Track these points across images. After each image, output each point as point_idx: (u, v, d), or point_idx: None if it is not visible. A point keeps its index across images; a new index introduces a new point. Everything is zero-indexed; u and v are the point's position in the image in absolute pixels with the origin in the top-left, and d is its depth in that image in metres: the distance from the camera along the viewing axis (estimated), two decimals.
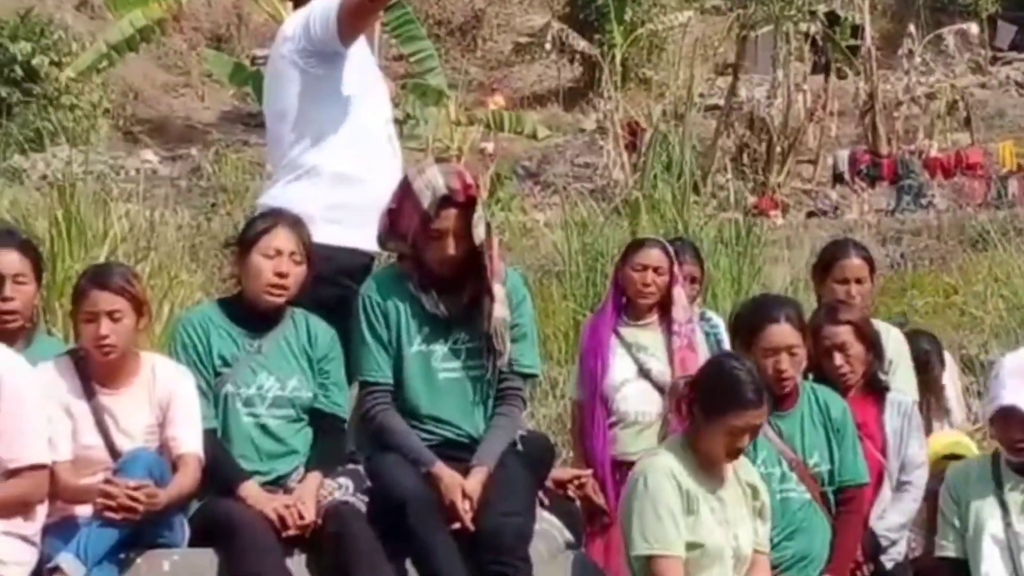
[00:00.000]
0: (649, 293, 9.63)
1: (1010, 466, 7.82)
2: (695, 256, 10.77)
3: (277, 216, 7.96)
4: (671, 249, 9.98)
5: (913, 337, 10.95)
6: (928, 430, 10.21)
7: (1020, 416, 7.72)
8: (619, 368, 9.54)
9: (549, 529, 8.21)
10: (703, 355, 9.63)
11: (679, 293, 9.74)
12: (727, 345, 9.92)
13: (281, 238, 7.85)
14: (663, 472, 7.65)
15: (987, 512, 7.81)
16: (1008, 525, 7.75)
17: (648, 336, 9.65)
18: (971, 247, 21.92)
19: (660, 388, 9.48)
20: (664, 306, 9.68)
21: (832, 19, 36.88)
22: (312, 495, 7.59)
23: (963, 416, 10.50)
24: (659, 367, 9.62)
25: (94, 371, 7.50)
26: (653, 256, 9.72)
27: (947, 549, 8.01)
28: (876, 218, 33.71)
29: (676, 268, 9.97)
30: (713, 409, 7.62)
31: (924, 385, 10.44)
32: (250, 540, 7.36)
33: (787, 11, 36.20)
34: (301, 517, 7.50)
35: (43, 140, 24.96)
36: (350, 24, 8.21)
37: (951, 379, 10.91)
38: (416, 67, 28.34)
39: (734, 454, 7.70)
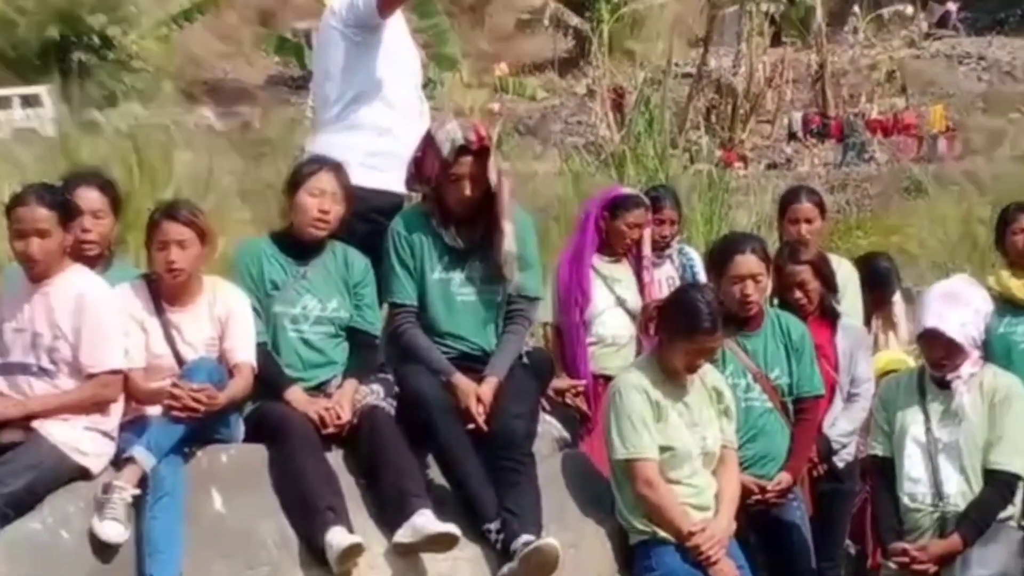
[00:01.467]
0: (632, 242, 9.60)
1: (932, 380, 7.78)
2: (674, 201, 10.69)
3: (321, 162, 8.00)
4: (647, 202, 9.88)
5: (873, 258, 11.24)
6: (877, 342, 10.40)
7: (941, 337, 7.67)
8: (599, 298, 9.53)
9: (550, 430, 8.36)
10: (677, 283, 9.72)
11: (647, 235, 9.65)
12: (702, 275, 9.91)
13: (324, 180, 7.86)
14: (634, 387, 7.74)
15: (911, 418, 7.81)
16: (928, 430, 7.71)
17: (621, 270, 9.61)
18: (906, 194, 21.98)
19: (632, 315, 9.43)
20: (637, 247, 9.62)
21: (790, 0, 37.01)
22: (348, 399, 7.64)
23: (907, 331, 10.46)
24: (632, 297, 9.57)
25: (164, 292, 7.53)
26: (639, 215, 9.60)
27: (877, 448, 8.02)
28: (825, 170, 34.42)
29: (649, 216, 9.86)
30: (675, 332, 7.72)
31: (879, 300, 10.64)
32: (296, 437, 7.42)
33: None
34: (339, 417, 7.54)
35: (116, 98, 24.87)
36: (388, 1, 8.19)
37: (898, 299, 10.87)
38: (433, 39, 28.41)
39: (693, 369, 7.78)
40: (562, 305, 9.63)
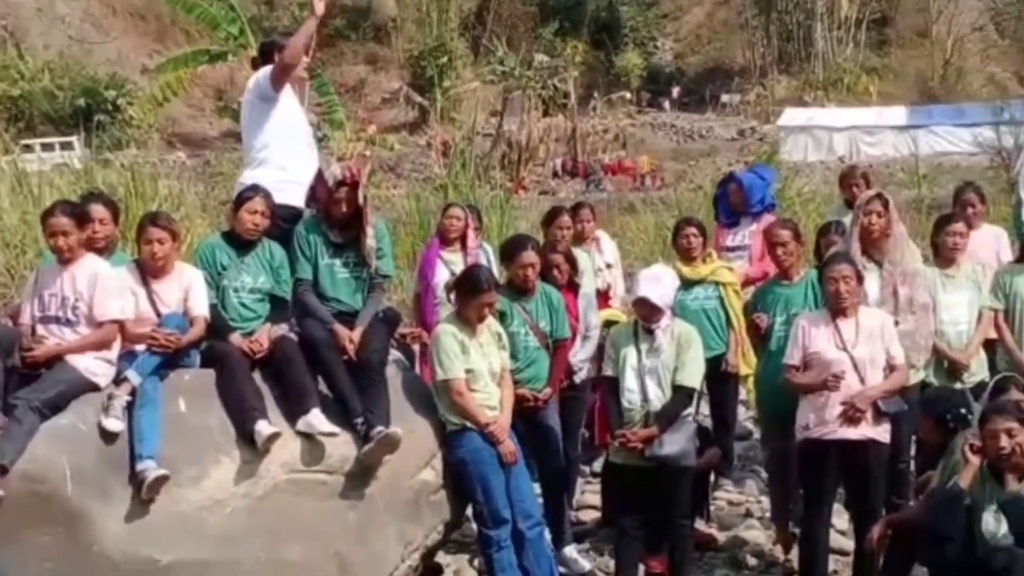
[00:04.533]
0: (457, 235, 9.74)
1: (643, 328, 7.78)
2: (478, 215, 10.70)
3: (255, 190, 7.84)
4: (467, 212, 10.06)
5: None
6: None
7: (648, 302, 7.73)
8: (441, 275, 9.53)
9: (397, 360, 8.23)
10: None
11: (471, 233, 9.78)
12: (495, 262, 9.77)
13: (257, 203, 7.74)
14: (447, 332, 7.79)
15: (629, 352, 7.76)
16: (639, 360, 7.71)
17: (455, 256, 9.64)
18: (625, 212, 22.06)
19: None
20: (463, 240, 9.67)
21: (555, 88, 37.11)
22: (265, 334, 7.59)
23: (622, 297, 10.53)
24: None
25: (148, 271, 7.54)
26: (460, 214, 9.84)
27: (607, 370, 7.97)
28: (575, 196, 34.49)
29: (472, 220, 10.03)
30: (467, 295, 7.79)
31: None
32: (234, 364, 7.40)
33: (529, 83, 36.54)
34: (261, 346, 7.51)
35: (121, 145, 24.66)
36: (278, 79, 8.13)
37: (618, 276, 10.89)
38: (327, 109, 28.39)
39: (482, 319, 7.78)
40: (420, 279, 9.73)
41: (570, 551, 8.45)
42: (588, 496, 9.34)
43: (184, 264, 7.72)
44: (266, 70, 8.18)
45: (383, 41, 39.75)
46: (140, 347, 7.27)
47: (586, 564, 8.42)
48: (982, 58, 43.84)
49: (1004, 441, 6.40)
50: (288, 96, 8.23)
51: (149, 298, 7.46)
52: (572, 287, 8.91)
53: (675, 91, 43.28)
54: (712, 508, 9.26)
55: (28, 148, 26.01)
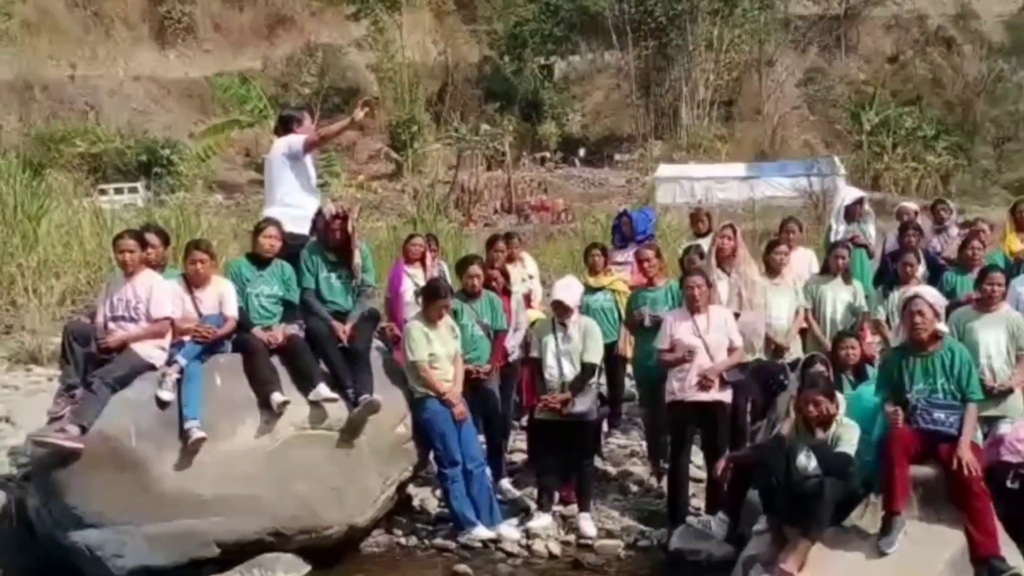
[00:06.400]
0: (417, 256, 9.31)
1: (559, 322, 7.71)
2: (437, 242, 10.44)
3: (270, 222, 7.76)
4: (425, 239, 9.77)
5: None
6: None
7: (563, 304, 7.70)
8: (406, 285, 9.17)
9: (378, 347, 8.10)
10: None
11: (429, 255, 9.44)
12: (449, 276, 9.60)
13: (271, 231, 7.69)
14: (415, 326, 7.77)
15: (549, 339, 7.66)
16: (556, 345, 7.67)
17: (417, 272, 9.24)
18: (548, 240, 21.96)
19: None
20: (422, 260, 9.36)
21: (495, 149, 36.92)
22: (280, 330, 7.47)
23: (541, 300, 10.36)
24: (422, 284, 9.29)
25: (192, 282, 7.45)
26: (420, 242, 9.49)
27: (533, 353, 7.92)
28: (509, 228, 34.19)
29: (431, 245, 9.82)
30: (428, 301, 7.77)
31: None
32: (255, 350, 7.32)
33: (477, 146, 36.37)
34: (276, 339, 7.43)
35: (174, 190, 24.38)
36: (308, 148, 8.01)
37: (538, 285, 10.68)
38: (328, 163, 28.23)
39: (440, 317, 7.73)
40: (389, 288, 9.43)
41: (505, 483, 8.44)
42: (518, 443, 9.29)
43: (219, 277, 7.61)
44: (298, 138, 8.04)
45: (368, 114, 39.57)
46: (186, 338, 7.20)
47: (516, 492, 8.40)
48: (799, 129, 44.34)
49: (813, 407, 6.52)
50: (308, 158, 8.15)
51: (193, 302, 7.39)
52: (507, 293, 8.88)
53: (582, 152, 43.32)
54: (606, 450, 9.29)
55: (103, 192, 25.78)
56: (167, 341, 7.20)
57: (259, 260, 7.72)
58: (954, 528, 6.22)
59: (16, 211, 14.13)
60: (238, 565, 6.79)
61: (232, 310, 7.43)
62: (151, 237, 7.67)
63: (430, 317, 7.78)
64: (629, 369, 9.43)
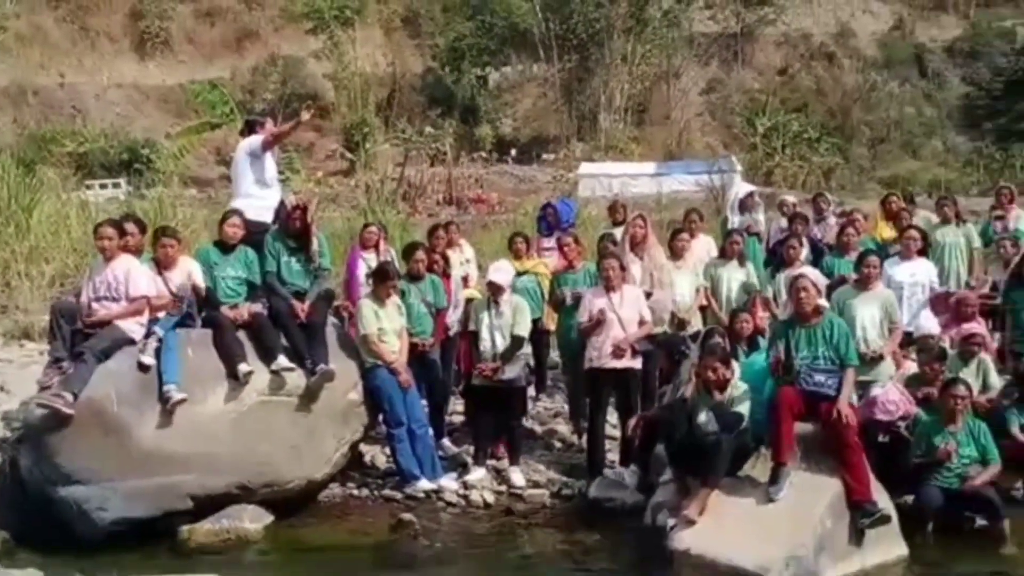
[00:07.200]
0: (372, 243, 9.00)
1: (492, 300, 7.57)
2: (386, 231, 10.04)
3: (234, 212, 7.68)
4: (380, 228, 9.54)
5: None
6: None
7: (495, 284, 7.59)
8: (361, 269, 8.77)
9: (333, 323, 7.97)
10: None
11: (382, 242, 9.10)
12: (398, 261, 8.97)
13: (235, 220, 7.61)
14: (366, 304, 7.67)
15: (484, 315, 7.44)
16: (490, 321, 7.60)
17: (371, 256, 8.86)
18: (482, 228, 21.51)
19: None
20: (376, 246, 9.06)
21: (438, 149, 36.51)
22: (245, 309, 7.37)
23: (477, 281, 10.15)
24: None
25: (163, 264, 7.37)
26: (375, 230, 9.25)
27: (470, 327, 7.85)
28: (449, 218, 33.53)
29: (382, 233, 9.55)
30: (378, 282, 7.67)
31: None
32: (223, 326, 7.22)
33: (421, 146, 36.04)
34: (242, 317, 7.32)
35: (152, 185, 23.89)
36: (265, 147, 7.93)
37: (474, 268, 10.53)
38: (288, 161, 27.83)
39: (388, 296, 7.62)
40: (346, 271, 9.21)
41: (445, 442, 8.39)
42: (457, 407, 9.25)
43: (185, 257, 7.52)
44: (257, 138, 7.96)
45: (325, 117, 39.00)
46: (161, 314, 7.16)
47: (455, 449, 8.36)
48: (702, 132, 44.75)
49: (711, 373, 6.55)
50: (268, 155, 8.06)
51: (164, 282, 7.32)
52: (447, 275, 8.79)
53: (513, 151, 43.20)
54: (533, 412, 9.24)
55: (89, 187, 25.20)
56: (145, 317, 7.08)
57: (225, 246, 7.60)
58: (833, 477, 6.29)
59: (10, 203, 13.93)
60: (209, 516, 6.76)
61: (200, 282, 7.37)
62: (129, 226, 7.51)
63: (379, 296, 7.69)
64: (553, 341, 9.44)
